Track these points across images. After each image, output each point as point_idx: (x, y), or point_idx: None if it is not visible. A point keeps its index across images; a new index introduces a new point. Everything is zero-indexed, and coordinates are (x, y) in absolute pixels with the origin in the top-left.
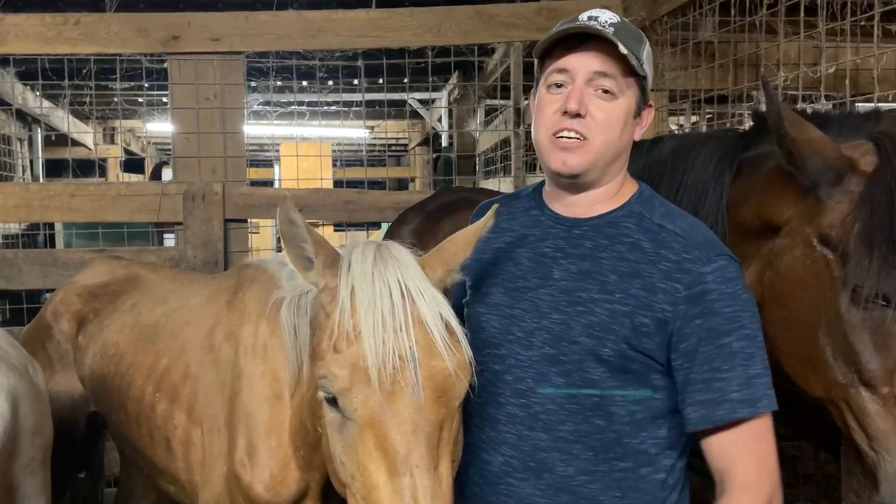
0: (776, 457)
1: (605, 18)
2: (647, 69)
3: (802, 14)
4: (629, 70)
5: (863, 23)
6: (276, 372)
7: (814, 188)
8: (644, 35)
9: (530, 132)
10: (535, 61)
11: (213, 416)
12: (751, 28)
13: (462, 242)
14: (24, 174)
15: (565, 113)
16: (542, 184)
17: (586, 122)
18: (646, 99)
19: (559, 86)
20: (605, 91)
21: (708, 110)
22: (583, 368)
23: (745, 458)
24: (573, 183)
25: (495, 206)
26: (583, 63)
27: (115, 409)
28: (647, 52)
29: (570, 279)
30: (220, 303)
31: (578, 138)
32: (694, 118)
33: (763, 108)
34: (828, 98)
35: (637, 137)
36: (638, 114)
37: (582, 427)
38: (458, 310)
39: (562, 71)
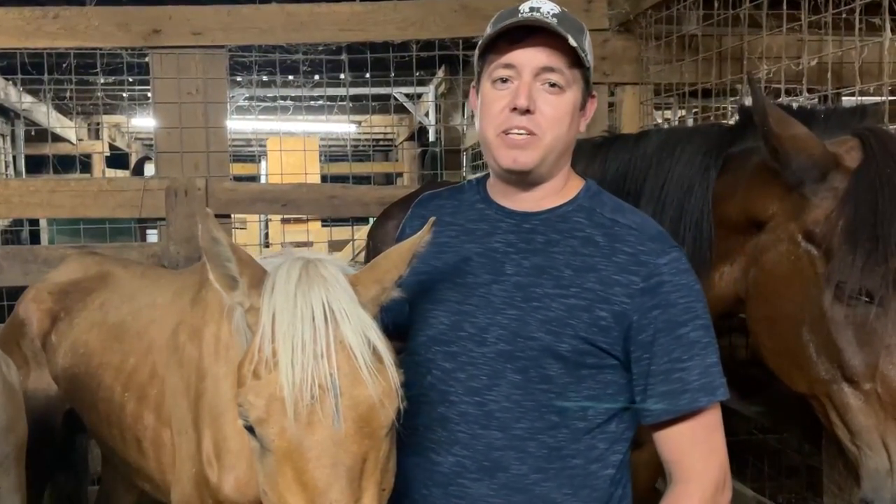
0: (724, 446)
1: (548, 9)
2: (590, 60)
3: (785, 7)
4: (575, 62)
5: (845, 15)
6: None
7: (798, 185)
8: (584, 25)
9: None
10: (476, 55)
11: (181, 416)
12: (735, 22)
13: (396, 258)
14: (6, 170)
15: (514, 109)
16: (485, 177)
17: (535, 119)
18: (589, 90)
19: (504, 81)
20: (553, 85)
21: (693, 104)
22: (539, 365)
23: (696, 448)
24: (522, 180)
25: (432, 219)
26: (529, 57)
27: (88, 409)
28: (588, 42)
29: (524, 274)
30: (184, 301)
31: (528, 134)
32: (680, 112)
33: (748, 102)
34: (811, 91)
35: (582, 129)
36: (583, 106)
37: (536, 424)
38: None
39: (507, 66)
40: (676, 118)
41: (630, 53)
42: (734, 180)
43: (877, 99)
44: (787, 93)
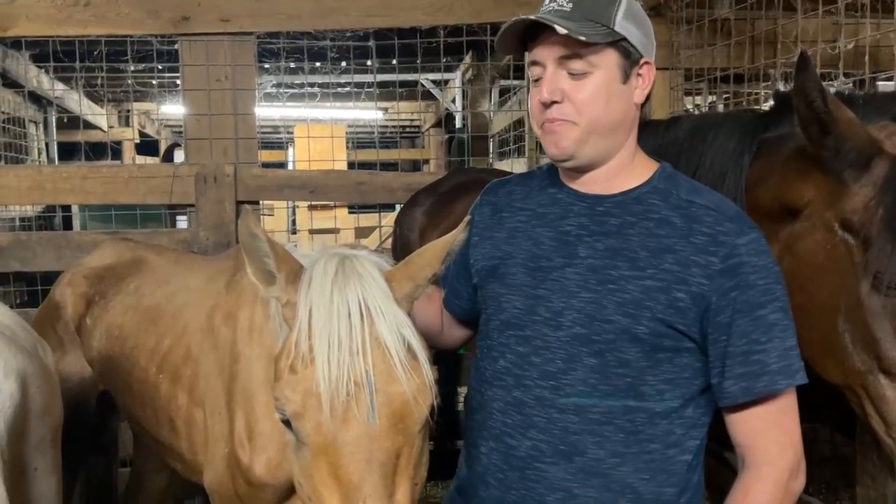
0: (799, 431)
1: None
2: (627, 27)
3: None
4: (601, 41)
5: None
6: (272, 355)
7: (842, 171)
8: None
9: None
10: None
11: (214, 397)
12: (768, 5)
13: (430, 256)
14: (39, 157)
15: (542, 104)
16: None
17: (564, 108)
18: (633, 58)
19: (537, 79)
20: (574, 74)
21: (724, 90)
22: (616, 348)
23: (770, 433)
24: (576, 166)
25: (468, 217)
26: (548, 51)
27: (122, 390)
28: (624, 8)
29: (598, 257)
30: (218, 285)
31: (562, 121)
32: (710, 98)
33: (783, 88)
34: (846, 75)
35: (639, 100)
36: (627, 77)
37: (613, 408)
38: (449, 279)
39: (534, 63)
40: (707, 104)
41: (660, 38)
42: (768, 167)
43: None
44: (823, 77)
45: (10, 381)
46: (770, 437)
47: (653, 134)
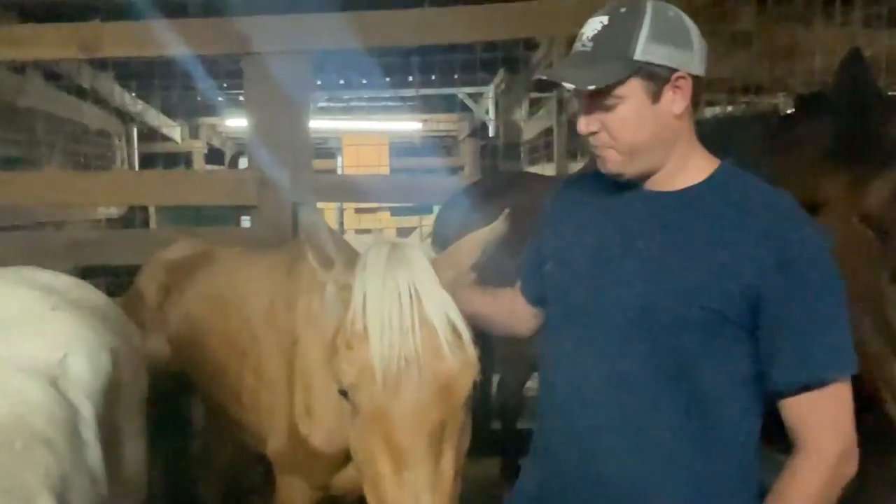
0: (850, 417)
1: (587, 33)
2: (651, 50)
3: (838, 4)
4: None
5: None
6: (327, 339)
7: (866, 163)
8: (636, 15)
9: (571, 122)
10: None
11: (276, 376)
12: (786, 17)
13: (470, 246)
14: (122, 165)
15: None
16: None
17: (601, 136)
18: (663, 76)
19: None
20: (606, 106)
21: (742, 100)
22: (670, 333)
23: (820, 420)
24: (628, 179)
25: (507, 210)
26: (578, 90)
27: (196, 369)
28: (646, 32)
29: (655, 248)
30: (279, 275)
31: (604, 147)
32: (729, 108)
33: (804, 92)
34: None
35: (678, 111)
36: (657, 97)
37: (668, 389)
38: (524, 268)
39: (575, 96)
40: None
41: None
42: (789, 164)
43: None
44: None
45: (104, 355)
46: (820, 423)
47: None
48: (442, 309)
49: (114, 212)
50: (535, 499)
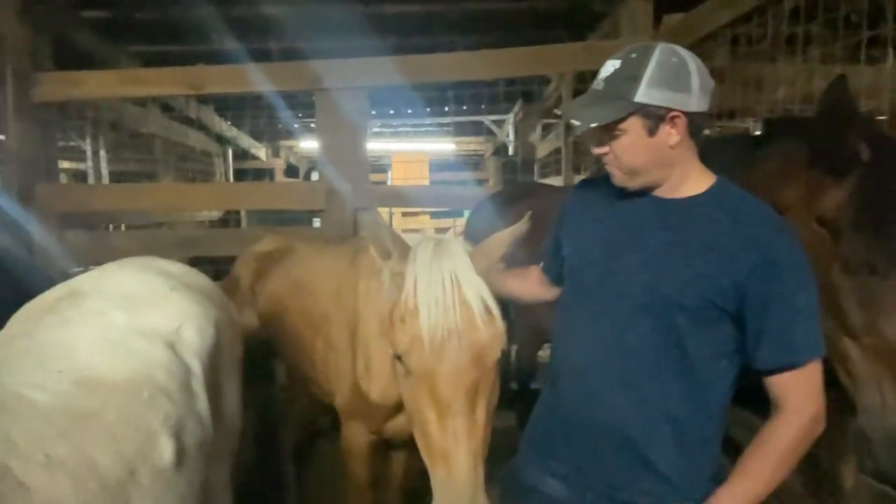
0: (821, 388)
1: (602, 75)
2: (649, 94)
3: (800, 44)
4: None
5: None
6: (381, 315)
7: (830, 174)
8: (643, 61)
9: (576, 142)
10: None
11: (342, 344)
12: (755, 56)
13: (499, 242)
14: (220, 178)
15: None
16: None
17: (609, 157)
18: (659, 114)
19: None
20: (611, 136)
21: (718, 124)
22: (669, 315)
23: (796, 389)
24: (632, 190)
25: (529, 212)
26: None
27: (279, 338)
28: (647, 78)
29: (659, 245)
30: (344, 264)
31: (611, 165)
32: (706, 131)
33: (771, 117)
34: None
35: (673, 142)
36: (654, 132)
37: (664, 358)
38: (548, 252)
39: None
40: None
41: None
42: (758, 177)
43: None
44: (801, 112)
45: (210, 326)
46: (797, 391)
47: None
48: (477, 292)
49: (214, 215)
50: (544, 441)
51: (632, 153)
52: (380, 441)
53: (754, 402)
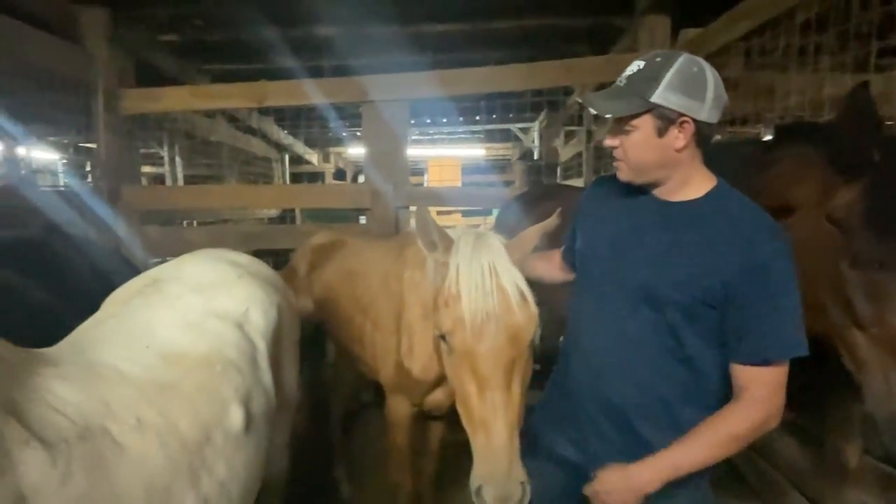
0: (783, 387)
1: (626, 73)
2: (666, 96)
3: (811, 54)
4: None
5: (860, 59)
6: (424, 301)
7: (844, 175)
8: (666, 66)
9: (597, 147)
10: None
11: (388, 326)
12: (767, 66)
13: (532, 235)
14: (278, 181)
15: None
16: None
17: (618, 152)
18: (670, 119)
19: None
20: (622, 132)
21: (729, 130)
22: (665, 309)
23: (761, 385)
24: (637, 186)
25: (559, 209)
26: (609, 115)
27: (331, 320)
28: (666, 82)
29: (659, 244)
30: (390, 256)
31: (619, 160)
32: (718, 136)
33: (781, 123)
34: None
35: (679, 146)
36: (663, 133)
37: (660, 346)
38: (567, 241)
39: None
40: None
41: None
42: (769, 178)
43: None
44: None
45: (273, 309)
46: (760, 388)
47: None
48: (513, 280)
49: (273, 213)
50: (557, 409)
51: (640, 150)
52: (419, 413)
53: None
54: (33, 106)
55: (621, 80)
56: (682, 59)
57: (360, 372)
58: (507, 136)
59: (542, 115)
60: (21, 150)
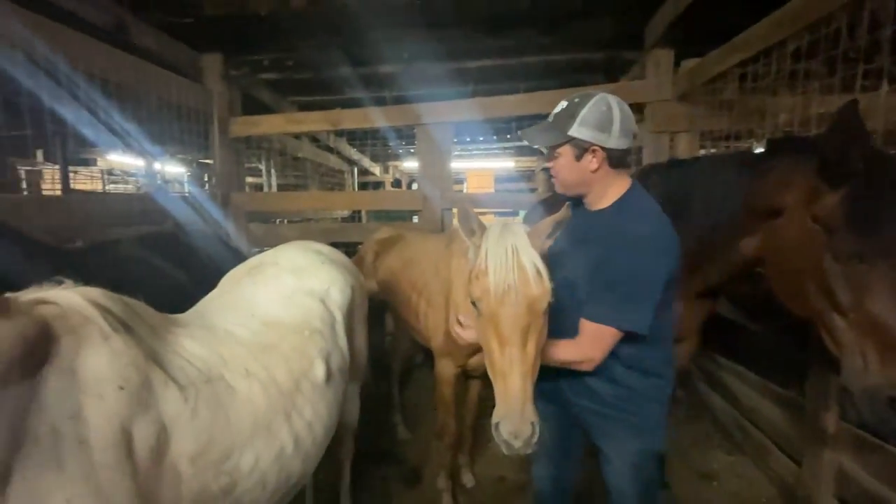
0: (602, 344)
1: (554, 111)
2: (580, 131)
3: (801, 77)
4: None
5: (847, 81)
6: (466, 280)
7: (830, 183)
8: (581, 105)
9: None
10: None
11: (438, 304)
12: (759, 90)
13: (548, 224)
14: (349, 188)
15: None
16: None
17: (553, 171)
18: (585, 148)
19: None
20: (554, 156)
21: (725, 144)
22: (577, 286)
23: (587, 336)
24: (569, 198)
25: (567, 203)
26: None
27: (392, 298)
28: (580, 119)
29: (588, 250)
30: (440, 247)
31: (553, 177)
32: (713, 150)
33: (772, 138)
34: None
35: (593, 168)
36: (580, 158)
37: (574, 321)
38: None
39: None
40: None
41: (684, 113)
42: (761, 185)
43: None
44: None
45: (348, 288)
46: (586, 337)
47: (685, 164)
48: (531, 259)
49: (345, 213)
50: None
51: (564, 171)
52: (461, 372)
53: (748, 361)
54: (167, 131)
55: (550, 117)
56: (595, 99)
57: (414, 340)
58: (533, 151)
59: None
60: (157, 166)
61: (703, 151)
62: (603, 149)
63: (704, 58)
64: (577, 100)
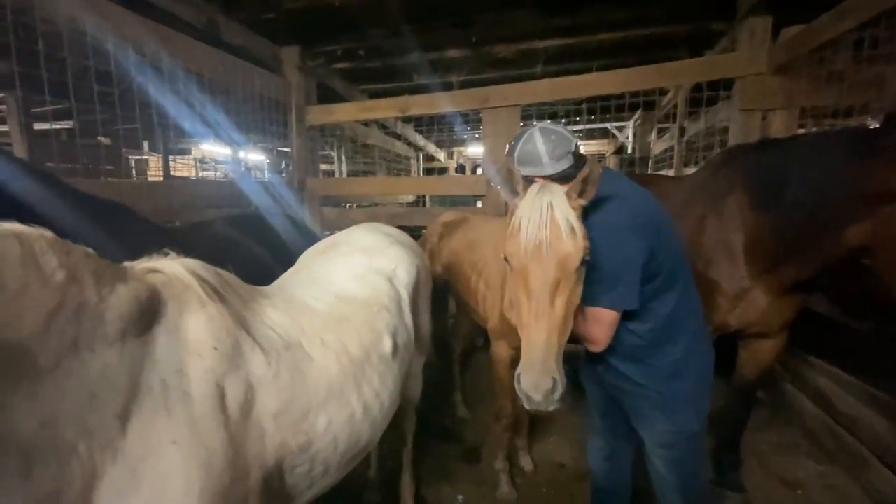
0: (604, 325)
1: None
2: (561, 165)
3: None
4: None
5: None
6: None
7: None
8: (514, 148)
9: (689, 142)
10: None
11: (496, 286)
12: (873, 60)
13: (577, 183)
14: (415, 174)
15: None
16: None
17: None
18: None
19: None
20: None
21: (828, 122)
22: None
23: (590, 318)
24: None
25: (591, 157)
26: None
27: (454, 279)
28: (564, 150)
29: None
30: (500, 229)
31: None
32: (814, 128)
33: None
34: None
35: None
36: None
37: None
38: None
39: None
40: None
41: (781, 88)
42: (874, 165)
43: None
44: None
45: (413, 268)
46: (590, 319)
47: (779, 143)
48: (564, 215)
49: (410, 198)
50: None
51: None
52: (516, 354)
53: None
54: (251, 121)
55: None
56: (525, 137)
57: (473, 321)
58: (604, 134)
59: (638, 114)
60: (241, 153)
61: (801, 132)
62: (544, 177)
63: (812, 23)
64: (512, 142)
